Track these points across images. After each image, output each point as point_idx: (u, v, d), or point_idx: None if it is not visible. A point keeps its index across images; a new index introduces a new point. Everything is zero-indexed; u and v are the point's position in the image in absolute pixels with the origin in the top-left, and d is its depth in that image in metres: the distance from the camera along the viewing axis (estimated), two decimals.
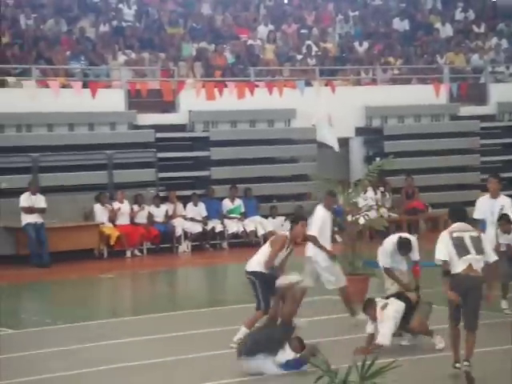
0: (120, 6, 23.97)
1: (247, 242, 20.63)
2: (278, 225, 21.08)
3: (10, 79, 19.88)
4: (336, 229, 14.15)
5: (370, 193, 21.43)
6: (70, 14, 23.15)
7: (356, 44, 25.11)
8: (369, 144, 22.92)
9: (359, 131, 22.90)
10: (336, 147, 21.81)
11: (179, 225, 20.22)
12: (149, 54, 22.31)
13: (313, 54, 24.01)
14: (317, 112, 21.57)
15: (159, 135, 20.56)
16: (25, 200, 18.23)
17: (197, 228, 20.38)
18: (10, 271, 17.24)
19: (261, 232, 20.84)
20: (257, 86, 21.91)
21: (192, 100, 21.09)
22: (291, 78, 22.92)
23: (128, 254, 19.49)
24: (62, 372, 9.26)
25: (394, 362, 5.45)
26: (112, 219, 19.48)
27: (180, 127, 21.31)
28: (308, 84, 22.49)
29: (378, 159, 17.83)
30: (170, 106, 21.28)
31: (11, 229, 18.40)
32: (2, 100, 19.15)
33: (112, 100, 20.42)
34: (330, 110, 21.59)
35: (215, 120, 21.68)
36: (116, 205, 19.63)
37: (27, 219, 18.15)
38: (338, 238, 20.40)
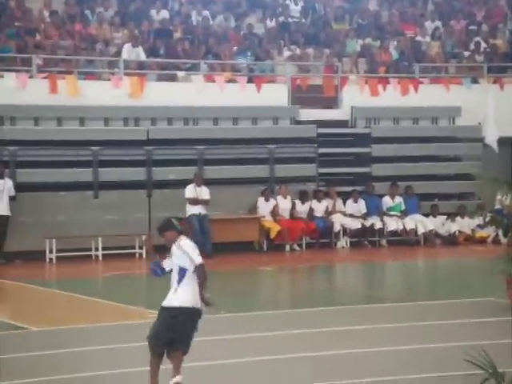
0: (287, 1, 24.22)
1: (407, 240, 20.43)
2: (439, 224, 20.76)
3: (180, 74, 20.48)
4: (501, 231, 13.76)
5: None
6: (238, 10, 23.59)
7: None
8: None
9: None
10: (494, 146, 21.25)
11: (338, 220, 20.25)
12: (313, 49, 22.44)
13: (481, 50, 23.46)
14: (484, 110, 21.08)
15: (321, 130, 20.64)
16: (190, 191, 18.73)
17: (356, 224, 20.34)
18: None
19: (421, 230, 20.59)
20: (421, 82, 21.65)
21: (355, 96, 21.07)
22: (457, 74, 22.48)
23: (287, 248, 19.68)
24: (221, 360, 9.46)
25: None
26: (274, 213, 19.74)
27: (342, 123, 21.32)
28: (475, 81, 22.01)
29: None
30: (332, 102, 21.34)
31: (176, 219, 18.92)
32: (171, 94, 19.76)
33: (276, 95, 20.68)
34: (498, 109, 21.04)
35: (377, 116, 21.57)
36: (279, 199, 19.87)
37: (192, 210, 18.65)
38: (503, 240, 19.95)
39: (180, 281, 7.95)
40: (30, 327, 11.45)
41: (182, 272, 7.97)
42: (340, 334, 11.00)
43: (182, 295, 7.91)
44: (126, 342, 10.27)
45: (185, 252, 7.98)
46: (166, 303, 7.99)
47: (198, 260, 7.99)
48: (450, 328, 11.27)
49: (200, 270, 7.98)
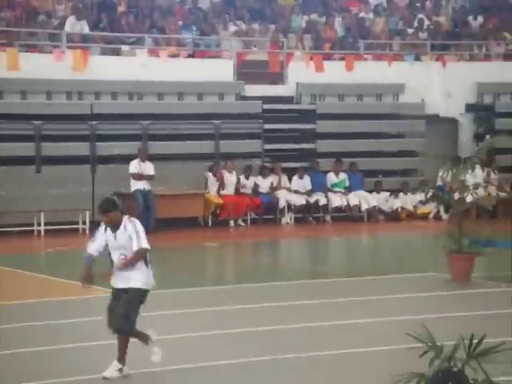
0: None
1: (350, 216, 20.60)
2: (383, 200, 20.97)
3: (124, 48, 20.27)
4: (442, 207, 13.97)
5: (478, 171, 21.03)
6: None
7: (470, 18, 24.56)
8: (479, 121, 22.47)
9: (469, 108, 22.47)
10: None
11: (283, 196, 20.33)
12: (259, 25, 22.38)
13: (424, 27, 23.64)
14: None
15: (266, 106, 20.64)
16: (134, 167, 18.61)
17: (300, 200, 20.44)
18: None
19: (364, 207, 20.77)
20: (365, 59, 21.74)
21: (300, 72, 21.10)
22: (401, 52, 22.64)
23: (232, 223, 19.71)
24: (164, 335, 9.46)
25: (503, 343, 5.37)
26: (219, 189, 19.73)
27: (287, 99, 21.34)
28: (418, 58, 22.18)
29: (487, 137, 17.50)
30: (278, 78, 21.34)
31: (121, 194, 18.82)
32: (116, 68, 19.56)
33: (221, 70, 20.60)
34: (440, 86, 21.27)
35: (323, 93, 21.63)
36: (224, 175, 19.86)
37: (136, 185, 18.54)
38: (444, 216, 20.23)
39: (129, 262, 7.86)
40: None
41: (127, 253, 7.88)
42: (283, 309, 11.07)
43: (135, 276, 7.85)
44: (69, 318, 10.21)
45: (137, 233, 7.88)
46: (120, 285, 7.89)
47: (146, 245, 7.90)
48: (392, 302, 11.43)
49: (141, 254, 7.90)
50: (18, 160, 18.42)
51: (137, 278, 7.89)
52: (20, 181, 18.31)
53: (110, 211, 7.94)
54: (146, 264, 7.98)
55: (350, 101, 21.93)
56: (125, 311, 7.81)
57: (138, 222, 8.01)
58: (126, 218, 8.00)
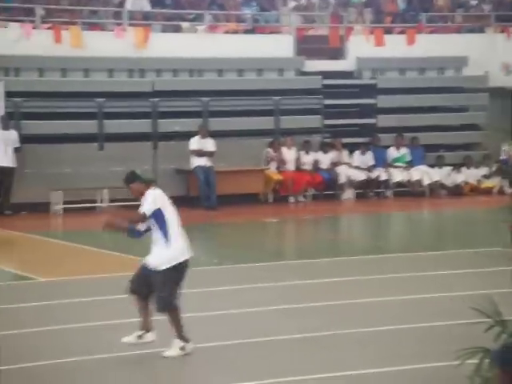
0: None
1: (412, 192, 20.44)
2: (445, 175, 20.75)
3: (185, 24, 20.33)
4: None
5: None
6: None
7: None
8: None
9: None
10: None
11: (343, 172, 20.24)
12: None
13: None
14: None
15: (326, 82, 20.53)
16: (195, 143, 18.71)
17: (361, 176, 20.33)
18: (181, 212, 17.74)
19: (426, 182, 20.58)
20: (427, 32, 21.46)
21: (360, 46, 20.93)
22: (464, 24, 22.29)
23: (291, 199, 19.70)
24: (225, 310, 9.53)
25: None
26: (280, 165, 19.73)
27: (347, 74, 21.20)
28: (481, 31, 21.82)
29: None
30: (338, 53, 21.19)
31: (182, 171, 18.98)
32: (176, 45, 19.64)
33: (281, 46, 20.53)
34: (505, 58, 20.90)
35: (383, 67, 21.44)
36: (284, 151, 19.84)
37: (197, 162, 18.64)
38: (508, 190, 19.94)
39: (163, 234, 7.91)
40: (38, 278, 11.53)
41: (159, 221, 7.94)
42: (344, 284, 11.06)
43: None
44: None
45: (144, 200, 7.97)
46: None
47: (143, 210, 7.92)
48: (456, 277, 11.33)
49: (135, 218, 7.94)
50: (81, 137, 18.65)
51: (151, 259, 7.95)
52: (83, 158, 18.54)
53: (131, 183, 8.09)
54: (167, 238, 7.92)
55: (411, 75, 21.70)
56: (156, 293, 7.87)
57: (150, 193, 8.05)
58: (150, 189, 8.08)
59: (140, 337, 7.93)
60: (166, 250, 7.94)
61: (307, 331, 8.63)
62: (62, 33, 18.91)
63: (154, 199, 7.99)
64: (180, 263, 7.93)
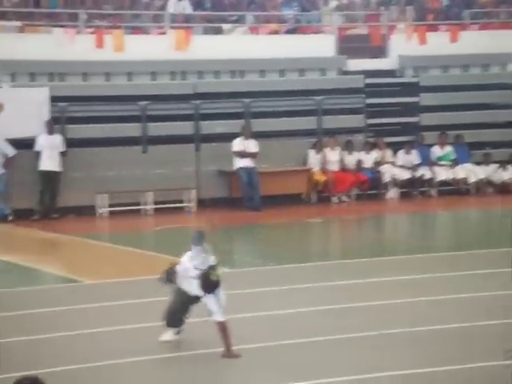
0: None
1: (457, 190, 20.26)
2: (491, 172, 20.53)
3: (226, 26, 20.38)
4: None
5: None
6: None
7: None
8: None
9: None
10: None
11: (387, 171, 20.13)
12: None
13: None
14: None
15: (368, 81, 20.44)
16: (238, 144, 18.73)
17: (405, 175, 20.20)
18: (224, 213, 17.86)
19: (472, 179, 20.38)
20: (471, 29, 21.28)
21: (402, 45, 20.80)
22: (508, 20, 22.05)
23: (335, 199, 19.64)
24: (270, 311, 9.53)
25: None
26: (323, 165, 19.69)
27: (389, 72, 21.09)
28: None
29: None
30: (379, 51, 21.09)
31: (225, 172, 19.02)
32: (218, 46, 19.71)
33: (322, 45, 20.49)
34: None
35: (426, 65, 21.29)
36: (327, 151, 19.79)
37: (240, 163, 18.67)
38: None
39: None
40: (83, 280, 11.64)
41: None
42: (391, 283, 11.00)
43: None
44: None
45: None
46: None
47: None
48: (504, 276, 11.19)
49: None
50: (125, 141, 18.79)
51: None
52: (127, 161, 18.67)
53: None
54: None
55: (454, 72, 21.51)
56: None
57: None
58: None
59: (178, 333, 8.06)
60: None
61: (352, 331, 8.61)
62: (104, 37, 19.07)
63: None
64: None
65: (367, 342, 8.34)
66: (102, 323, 9.19)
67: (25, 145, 17.75)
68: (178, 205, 18.50)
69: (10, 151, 17.58)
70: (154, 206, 18.25)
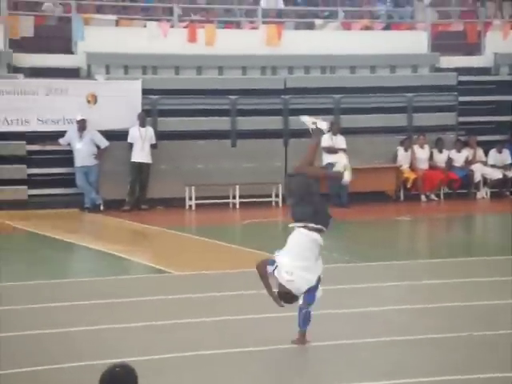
0: None
1: None
2: None
3: (318, 21, 20.36)
4: None
5: None
6: None
7: None
8: None
9: None
10: None
11: (478, 170, 19.81)
12: None
13: None
14: None
15: (462, 78, 20.14)
16: (326, 140, 18.66)
17: (497, 174, 19.85)
18: None
19: None
20: None
21: (498, 42, 20.42)
22: None
23: (423, 198, 19.41)
24: (352, 309, 9.49)
25: None
26: (412, 163, 19.50)
27: (484, 70, 20.74)
28: None
29: None
30: (474, 48, 20.75)
31: None
32: (309, 42, 19.70)
33: (415, 42, 20.27)
34: None
35: None
36: (416, 149, 19.59)
37: (328, 159, 18.61)
38: None
39: None
40: (172, 271, 11.79)
41: None
42: (479, 284, 10.82)
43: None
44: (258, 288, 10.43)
45: None
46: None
47: None
48: None
49: None
50: (214, 134, 18.95)
51: None
52: (216, 154, 18.84)
53: None
54: None
55: None
56: None
57: None
58: None
59: None
60: None
61: (432, 332, 8.50)
62: (197, 31, 19.26)
63: None
64: None
65: (445, 344, 8.21)
66: (187, 314, 9.29)
67: (117, 136, 18.09)
68: (265, 199, 18.57)
69: (103, 143, 17.93)
70: (242, 200, 18.36)
